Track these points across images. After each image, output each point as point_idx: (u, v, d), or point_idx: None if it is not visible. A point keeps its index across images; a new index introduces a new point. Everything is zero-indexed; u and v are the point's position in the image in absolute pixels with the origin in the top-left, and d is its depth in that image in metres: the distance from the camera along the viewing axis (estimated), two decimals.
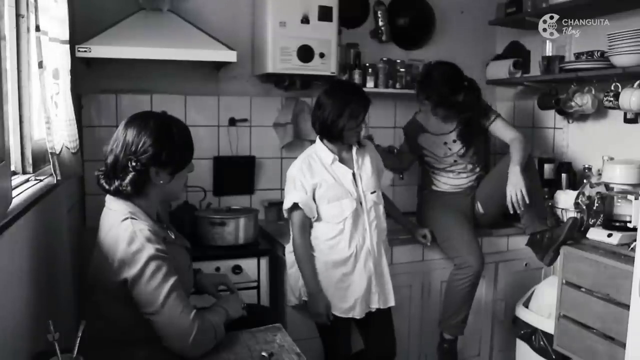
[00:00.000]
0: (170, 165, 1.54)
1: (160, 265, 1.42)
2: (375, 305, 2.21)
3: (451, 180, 2.77)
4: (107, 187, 1.53)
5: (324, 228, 2.18)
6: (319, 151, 2.21)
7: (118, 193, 1.52)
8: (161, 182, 1.54)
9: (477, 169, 2.77)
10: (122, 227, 1.45)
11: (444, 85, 2.57)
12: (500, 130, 2.66)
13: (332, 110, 2.11)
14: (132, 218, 1.47)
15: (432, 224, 2.68)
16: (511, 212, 2.47)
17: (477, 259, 2.50)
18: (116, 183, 1.51)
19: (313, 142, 2.29)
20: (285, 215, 2.23)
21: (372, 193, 2.22)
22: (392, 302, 2.26)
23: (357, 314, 2.19)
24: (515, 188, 2.40)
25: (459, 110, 2.65)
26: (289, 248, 2.29)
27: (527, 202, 2.39)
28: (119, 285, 1.43)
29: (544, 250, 2.53)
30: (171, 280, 1.42)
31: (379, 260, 2.22)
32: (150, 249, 1.42)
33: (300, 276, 2.20)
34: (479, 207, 2.71)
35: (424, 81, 2.65)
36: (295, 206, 2.15)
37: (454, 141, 2.70)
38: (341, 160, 2.20)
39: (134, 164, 1.49)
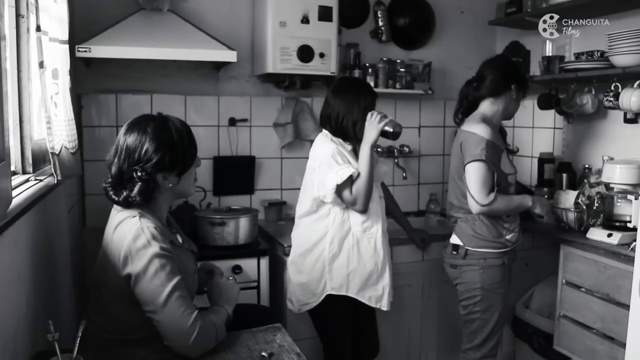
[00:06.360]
0: (175, 167, 1.55)
1: (165, 263, 1.43)
2: (391, 297, 2.18)
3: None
4: (116, 198, 1.53)
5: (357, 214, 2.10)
6: (336, 143, 2.13)
7: (128, 204, 1.51)
8: (170, 185, 1.55)
9: None
10: (130, 223, 1.47)
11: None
12: None
13: (342, 108, 2.10)
14: (141, 216, 1.49)
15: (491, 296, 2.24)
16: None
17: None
18: (124, 193, 1.51)
19: (313, 142, 2.27)
20: (331, 199, 2.03)
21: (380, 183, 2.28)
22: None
23: (385, 305, 2.16)
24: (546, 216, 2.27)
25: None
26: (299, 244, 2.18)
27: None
28: (122, 280, 1.44)
29: None
30: (174, 280, 1.43)
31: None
32: (155, 247, 1.43)
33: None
34: None
35: (505, 68, 2.30)
36: (350, 179, 2.01)
37: (508, 145, 2.35)
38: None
39: (139, 174, 1.49)
